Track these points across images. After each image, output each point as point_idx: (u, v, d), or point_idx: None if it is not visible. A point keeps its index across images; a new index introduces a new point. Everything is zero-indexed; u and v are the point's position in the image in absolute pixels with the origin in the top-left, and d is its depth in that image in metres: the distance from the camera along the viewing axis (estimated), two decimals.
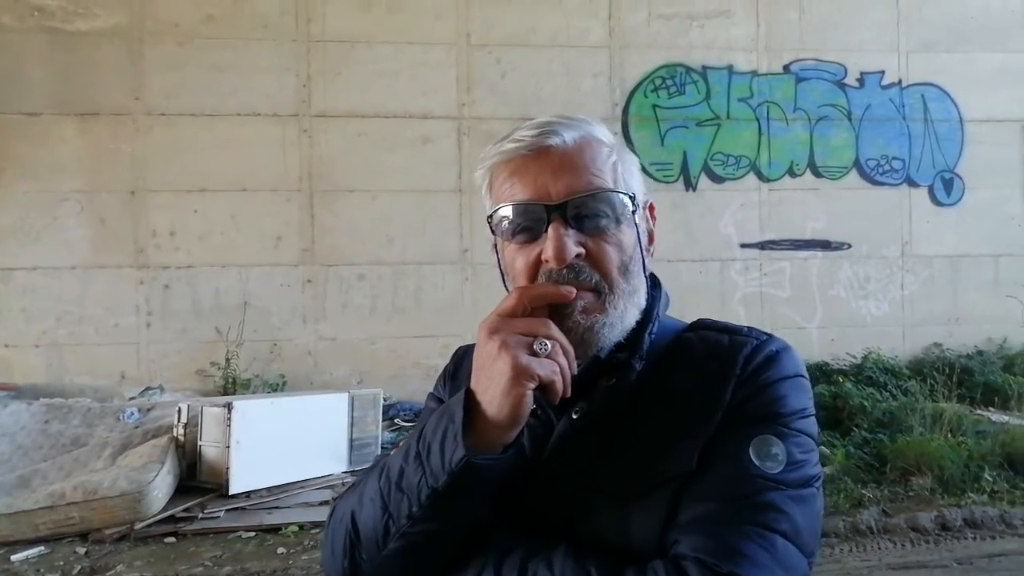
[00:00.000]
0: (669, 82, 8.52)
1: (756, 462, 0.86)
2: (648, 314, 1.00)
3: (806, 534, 0.85)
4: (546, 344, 0.85)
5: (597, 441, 0.94)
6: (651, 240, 1.05)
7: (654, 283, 1.06)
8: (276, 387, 7.66)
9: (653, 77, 8.51)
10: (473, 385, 0.87)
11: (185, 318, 7.85)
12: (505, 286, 0.99)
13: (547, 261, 0.92)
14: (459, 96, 8.24)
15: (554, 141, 0.95)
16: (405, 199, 8.17)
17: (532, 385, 0.83)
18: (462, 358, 1.15)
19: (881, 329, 8.80)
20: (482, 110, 8.28)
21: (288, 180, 8.01)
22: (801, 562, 0.84)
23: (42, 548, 4.73)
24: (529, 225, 0.94)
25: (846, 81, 8.84)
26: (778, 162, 8.69)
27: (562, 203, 0.93)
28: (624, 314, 0.95)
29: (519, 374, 0.82)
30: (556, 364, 0.85)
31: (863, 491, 5.48)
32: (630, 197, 0.97)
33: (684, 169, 8.54)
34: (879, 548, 4.61)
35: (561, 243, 0.90)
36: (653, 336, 0.99)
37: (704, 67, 8.59)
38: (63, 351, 7.66)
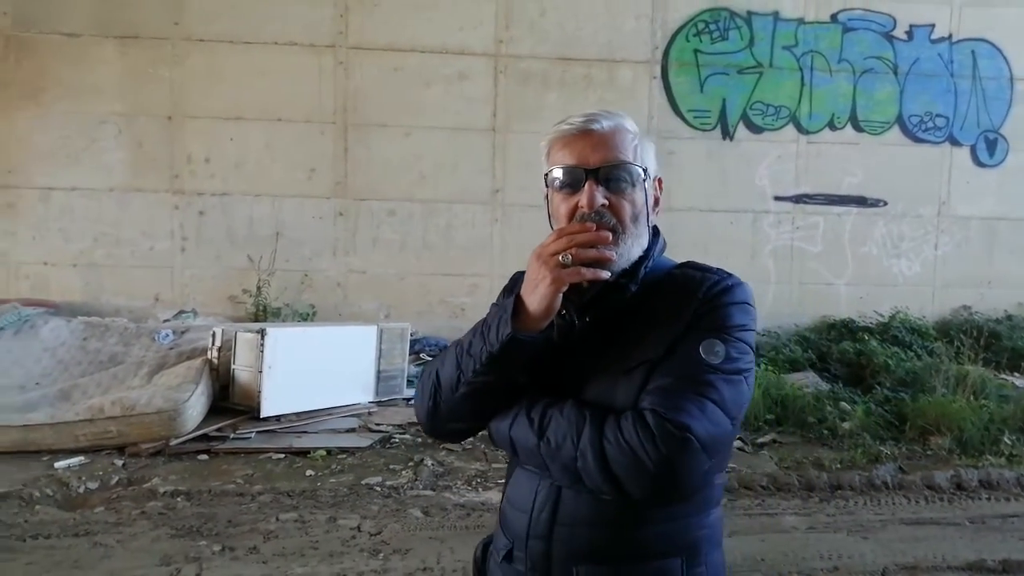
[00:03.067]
0: (712, 27, 8.33)
1: (703, 355, 1.24)
2: (647, 254, 1.38)
3: (730, 404, 1.23)
4: (568, 255, 1.21)
5: (601, 336, 1.35)
6: (656, 203, 1.45)
7: (655, 233, 1.45)
8: (306, 317, 7.80)
9: (696, 21, 8.32)
10: (522, 291, 1.28)
11: (219, 245, 7.97)
12: (551, 225, 1.38)
13: (582, 207, 1.30)
14: (497, 32, 8.13)
15: (595, 126, 1.34)
16: (438, 136, 8.15)
17: (562, 289, 1.23)
18: (518, 279, 1.51)
19: (911, 289, 8.73)
20: (520, 48, 8.17)
21: (323, 112, 8.01)
22: (725, 420, 1.22)
23: (82, 458, 4.94)
24: (572, 182, 1.33)
25: (894, 33, 8.59)
26: (819, 114, 8.53)
27: (596, 168, 1.32)
28: (630, 250, 1.34)
29: (551, 283, 1.22)
30: (579, 268, 1.22)
31: (881, 447, 5.52)
32: (643, 169, 1.36)
33: (722, 117, 8.41)
34: (893, 503, 4.67)
35: (592, 195, 1.30)
36: (648, 269, 1.38)
37: (749, 12, 8.38)
38: (100, 271, 7.83)
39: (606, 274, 1.25)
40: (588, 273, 1.22)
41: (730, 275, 1.37)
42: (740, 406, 1.26)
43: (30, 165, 7.73)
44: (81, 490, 4.55)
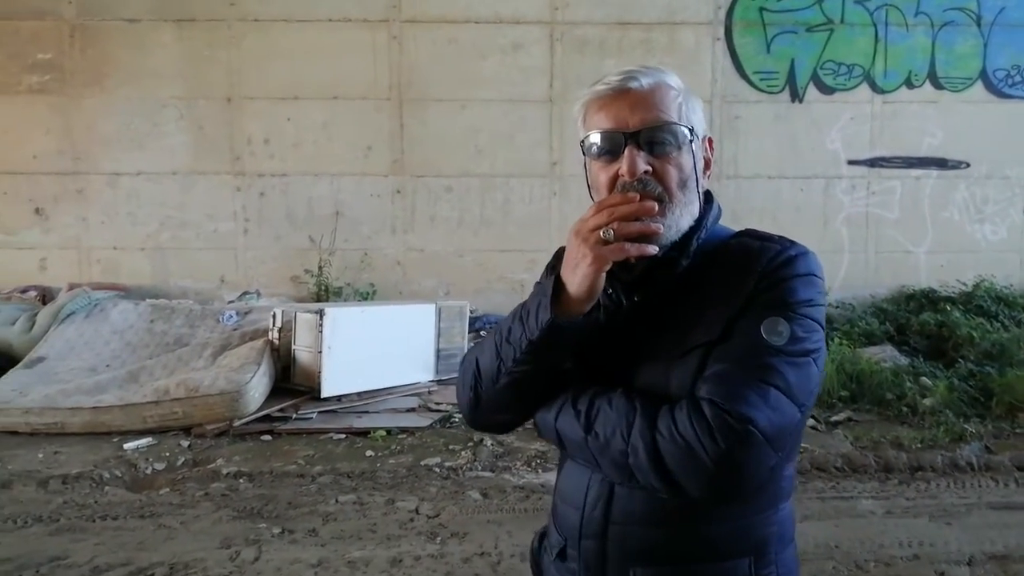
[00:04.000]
0: None
1: (765, 336, 1.12)
2: (699, 223, 1.24)
3: (797, 390, 1.11)
4: (610, 230, 1.10)
5: (651, 318, 1.23)
6: (707, 166, 1.29)
7: (708, 199, 1.29)
8: (366, 296, 7.81)
9: None
10: (562, 272, 1.17)
11: (279, 225, 8.03)
12: (591, 196, 1.25)
13: (622, 175, 1.17)
14: None
15: (633, 84, 1.20)
16: (494, 109, 8.00)
17: (605, 268, 1.11)
18: (561, 256, 1.41)
19: (997, 255, 8.22)
20: (576, 14, 7.92)
21: (378, 88, 7.94)
22: (791, 409, 1.11)
23: (150, 439, 5.04)
24: (610, 148, 1.20)
25: None
26: (895, 72, 8.04)
27: (636, 131, 1.18)
28: (679, 219, 1.20)
29: (592, 262, 1.11)
30: (623, 243, 1.10)
31: (965, 425, 5.22)
32: (689, 129, 1.21)
33: (791, 78, 8.01)
34: (979, 486, 4.39)
35: (633, 161, 1.17)
36: (700, 240, 1.24)
37: None
38: (166, 254, 7.99)
39: (653, 249, 1.13)
40: (633, 249, 1.10)
41: (793, 243, 1.23)
42: (809, 391, 1.14)
43: (97, 151, 7.89)
44: (148, 471, 4.64)
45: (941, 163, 8.16)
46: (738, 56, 8.00)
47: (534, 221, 8.06)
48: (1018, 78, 8.08)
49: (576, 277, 1.13)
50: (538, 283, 1.41)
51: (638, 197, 1.12)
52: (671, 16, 7.94)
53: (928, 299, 7.84)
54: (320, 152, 7.98)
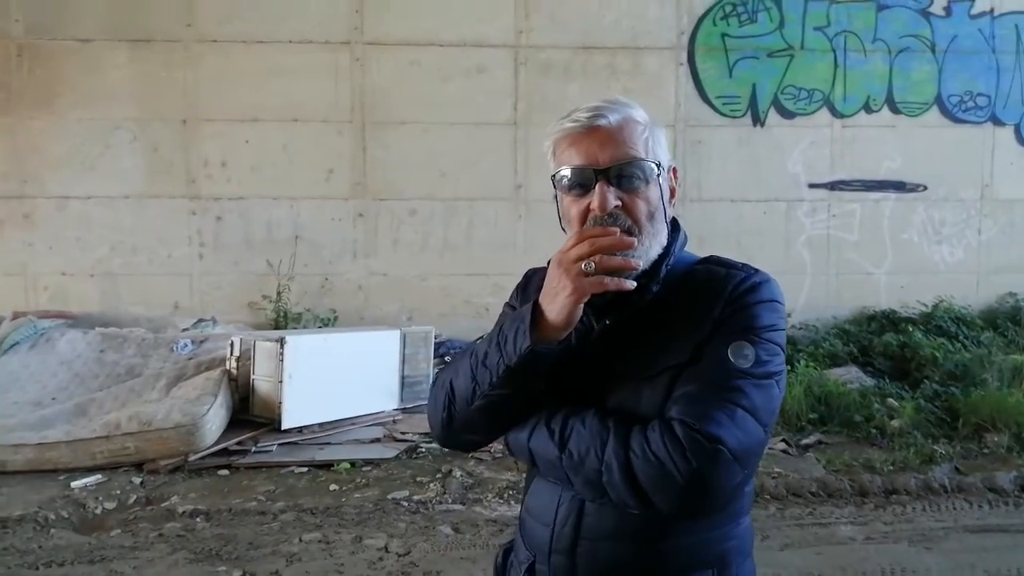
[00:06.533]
0: (740, 9, 7.99)
1: (731, 359, 1.18)
2: (667, 250, 1.31)
3: (762, 411, 1.17)
4: (591, 263, 1.15)
5: (622, 340, 1.28)
6: (672, 195, 1.35)
7: (675, 227, 1.36)
8: (327, 322, 7.62)
9: (723, 3, 7.97)
10: (540, 299, 1.21)
11: (237, 250, 7.80)
12: (562, 227, 1.31)
13: (594, 210, 1.23)
14: (517, 23, 7.86)
15: (602, 122, 1.25)
16: (458, 132, 7.91)
17: (584, 299, 1.16)
18: (531, 277, 1.50)
19: (954, 277, 8.34)
20: (540, 38, 7.90)
21: (340, 111, 7.80)
22: (757, 430, 1.16)
23: (100, 476, 4.78)
24: (582, 183, 1.26)
25: (931, 10, 8.20)
26: (853, 97, 8.16)
27: (606, 168, 1.24)
28: (649, 250, 1.26)
29: (572, 293, 1.16)
30: (602, 276, 1.15)
31: (934, 447, 5.22)
32: (657, 164, 1.28)
33: (752, 103, 8.08)
34: (954, 508, 4.37)
35: (604, 197, 1.22)
36: (668, 267, 1.30)
37: None
38: (117, 280, 7.70)
39: (631, 284, 1.19)
40: (611, 283, 1.16)
41: (756, 271, 1.30)
42: (772, 412, 1.21)
43: (45, 174, 7.60)
44: (98, 511, 4.38)
45: (899, 186, 8.29)
46: (701, 81, 8.05)
47: (499, 245, 7.96)
48: (971, 103, 8.26)
49: (556, 306, 1.18)
50: (507, 304, 1.51)
51: (618, 231, 1.18)
52: (635, 41, 7.96)
53: (889, 320, 7.91)
54: (280, 175, 7.79)
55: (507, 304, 1.53)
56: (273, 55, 7.68)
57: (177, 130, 7.69)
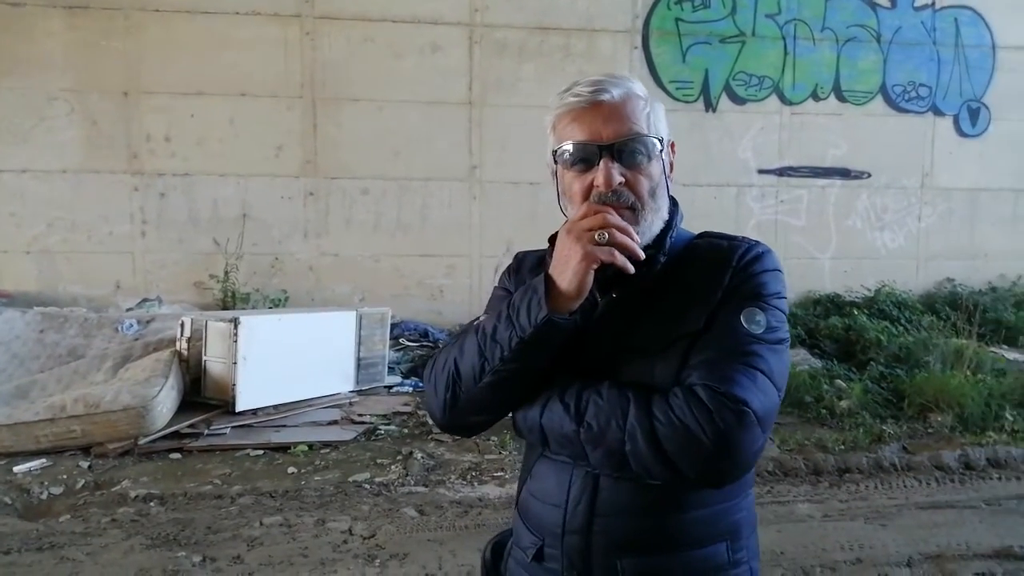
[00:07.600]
0: None
1: (745, 325, 1.20)
2: (669, 223, 1.32)
3: (776, 374, 1.19)
4: (604, 234, 1.16)
5: (629, 314, 1.28)
6: (671, 170, 1.36)
7: (674, 203, 1.37)
8: (277, 302, 7.44)
9: None
10: (551, 269, 1.21)
11: (182, 228, 7.55)
12: (559, 205, 1.32)
13: (598, 186, 1.23)
14: (472, 0, 7.76)
15: (605, 97, 1.25)
16: (412, 110, 7.79)
17: (594, 266, 1.16)
18: (522, 260, 1.50)
19: (895, 262, 8.63)
20: (496, 17, 7.82)
21: (289, 86, 7.60)
22: (774, 393, 1.17)
23: (44, 460, 4.57)
24: (585, 158, 1.25)
25: (878, 1, 8.40)
26: (802, 84, 8.33)
27: (610, 144, 1.24)
28: (651, 225, 1.27)
29: (583, 259, 1.16)
30: (613, 248, 1.16)
31: (883, 427, 5.38)
32: (659, 140, 1.28)
33: (705, 88, 8.16)
34: (905, 486, 4.51)
35: (609, 173, 1.22)
36: (672, 239, 1.32)
37: None
38: (55, 258, 7.37)
39: (632, 269, 1.20)
40: (619, 259, 1.17)
41: (757, 242, 1.33)
42: (784, 376, 1.22)
43: None
44: (44, 496, 4.19)
45: (844, 173, 8.50)
46: (655, 65, 8.09)
47: (453, 226, 7.89)
48: (914, 93, 8.52)
49: (567, 273, 1.18)
50: (498, 287, 1.50)
51: (631, 229, 1.20)
52: (590, 23, 7.95)
53: (834, 304, 8.14)
54: (226, 151, 7.56)
55: (498, 287, 1.52)
56: (219, 26, 7.43)
57: (118, 102, 7.38)
